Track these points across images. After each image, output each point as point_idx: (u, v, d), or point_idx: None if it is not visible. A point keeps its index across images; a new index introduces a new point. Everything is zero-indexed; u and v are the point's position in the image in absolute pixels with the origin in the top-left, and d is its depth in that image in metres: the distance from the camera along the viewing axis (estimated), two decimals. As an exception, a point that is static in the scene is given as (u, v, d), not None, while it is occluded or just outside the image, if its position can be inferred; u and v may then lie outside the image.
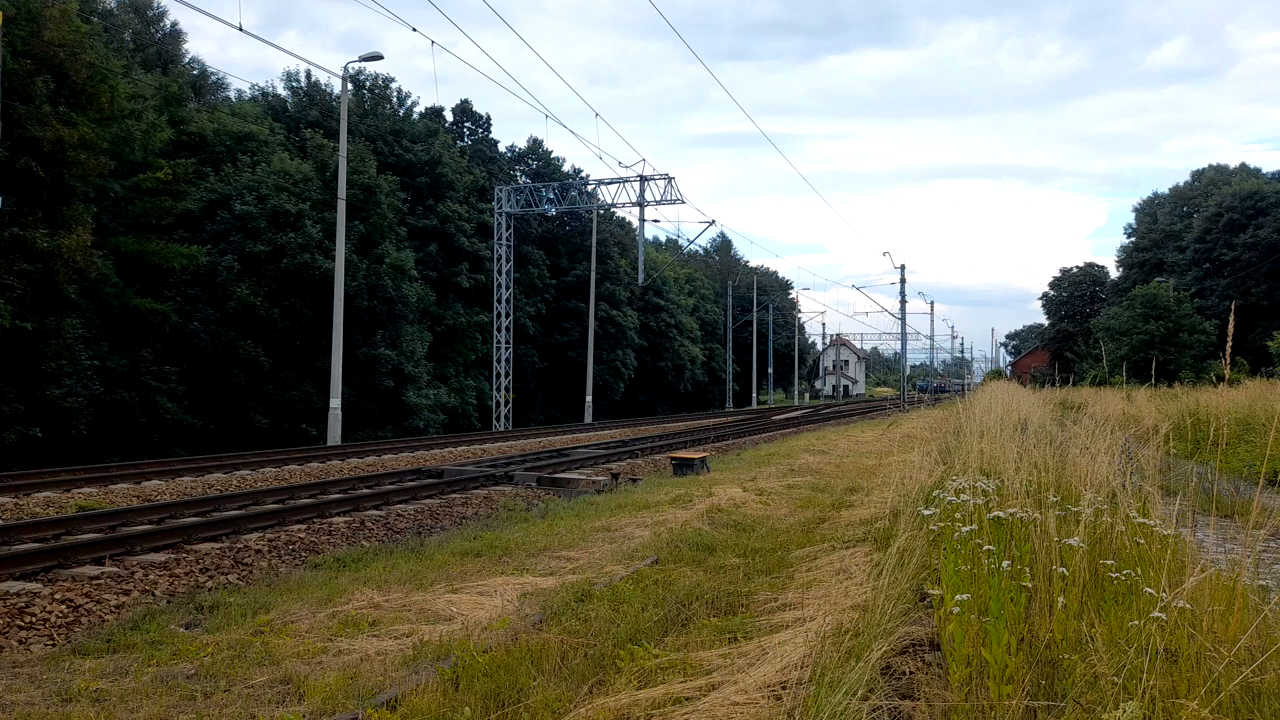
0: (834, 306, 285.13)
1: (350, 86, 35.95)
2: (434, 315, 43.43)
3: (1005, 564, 3.88)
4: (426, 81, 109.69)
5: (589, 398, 44.73)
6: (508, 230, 41.14)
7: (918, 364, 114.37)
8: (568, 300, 54.59)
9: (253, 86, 58.35)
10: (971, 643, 3.69)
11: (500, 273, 40.99)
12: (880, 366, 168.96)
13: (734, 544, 8.81)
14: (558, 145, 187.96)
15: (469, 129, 56.03)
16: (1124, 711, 2.88)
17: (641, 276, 39.46)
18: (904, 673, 4.20)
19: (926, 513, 5.39)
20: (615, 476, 16.22)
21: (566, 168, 59.00)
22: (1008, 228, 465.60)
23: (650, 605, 6.26)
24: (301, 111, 42.72)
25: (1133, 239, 79.86)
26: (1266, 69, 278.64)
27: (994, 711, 3.36)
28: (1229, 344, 4.36)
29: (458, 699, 4.46)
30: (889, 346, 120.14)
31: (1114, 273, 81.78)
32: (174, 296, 30.83)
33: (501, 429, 39.11)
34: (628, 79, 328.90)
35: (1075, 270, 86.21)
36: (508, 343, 41.04)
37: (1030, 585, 4.02)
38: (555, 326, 54.34)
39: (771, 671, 4.20)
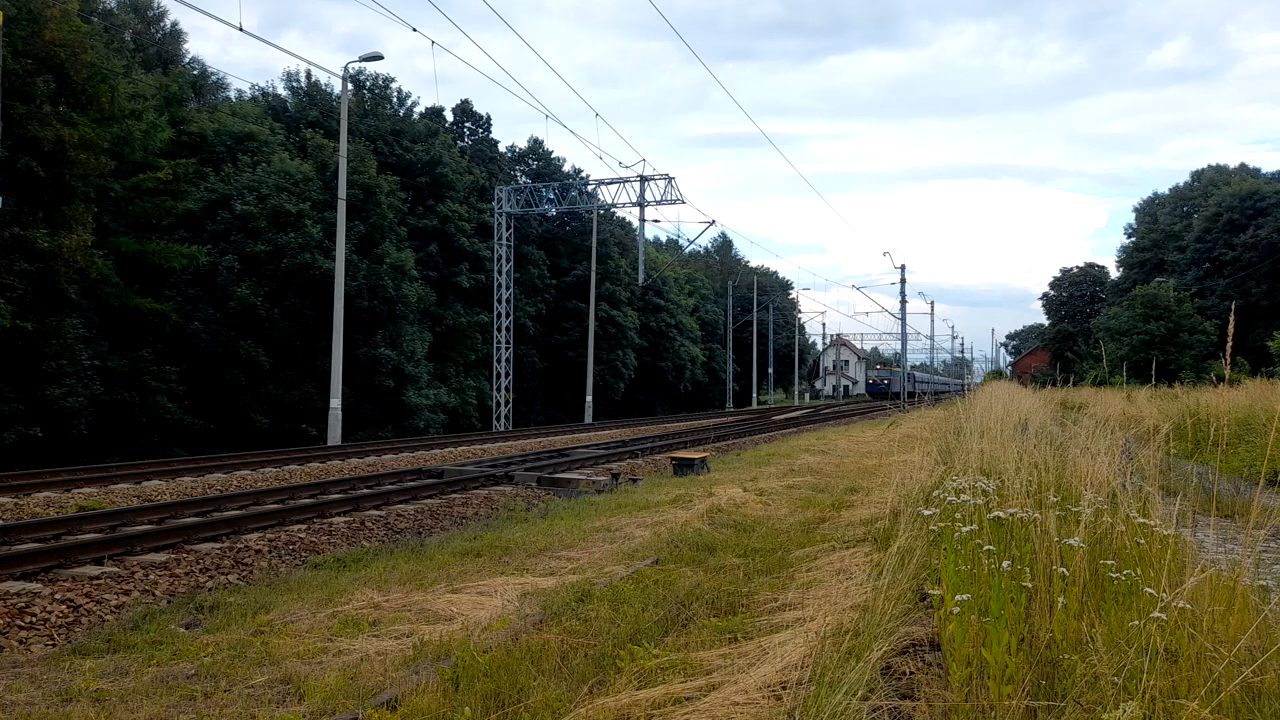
0: (834, 307, 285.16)
1: (350, 86, 35.95)
2: (434, 315, 43.43)
3: (1005, 564, 3.88)
4: (427, 82, 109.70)
5: (589, 398, 44.72)
6: (508, 230, 41.14)
7: (918, 363, 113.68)
8: (568, 300, 54.58)
9: (253, 86, 58.36)
10: (972, 643, 3.68)
11: (500, 273, 41.00)
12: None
13: (734, 544, 8.81)
14: (558, 145, 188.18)
15: (469, 129, 56.03)
16: (1124, 711, 2.88)
17: (642, 276, 39.47)
18: (904, 673, 4.20)
19: (927, 513, 5.39)
20: (615, 476, 16.22)
21: (567, 168, 59.03)
22: (1008, 228, 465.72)
23: (650, 605, 6.26)
24: (302, 111, 42.72)
25: (1133, 239, 79.91)
26: (1266, 69, 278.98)
27: (994, 711, 3.35)
28: (1229, 344, 4.37)
29: (458, 699, 4.45)
30: (889, 346, 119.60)
31: (1114, 273, 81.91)
32: (174, 296, 30.83)
33: (501, 429, 39.11)
34: (628, 79, 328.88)
35: (1075, 270, 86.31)
36: (508, 343, 41.04)
37: (1030, 585, 4.01)
38: (555, 326, 54.33)
39: (772, 671, 4.20)
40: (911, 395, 63.75)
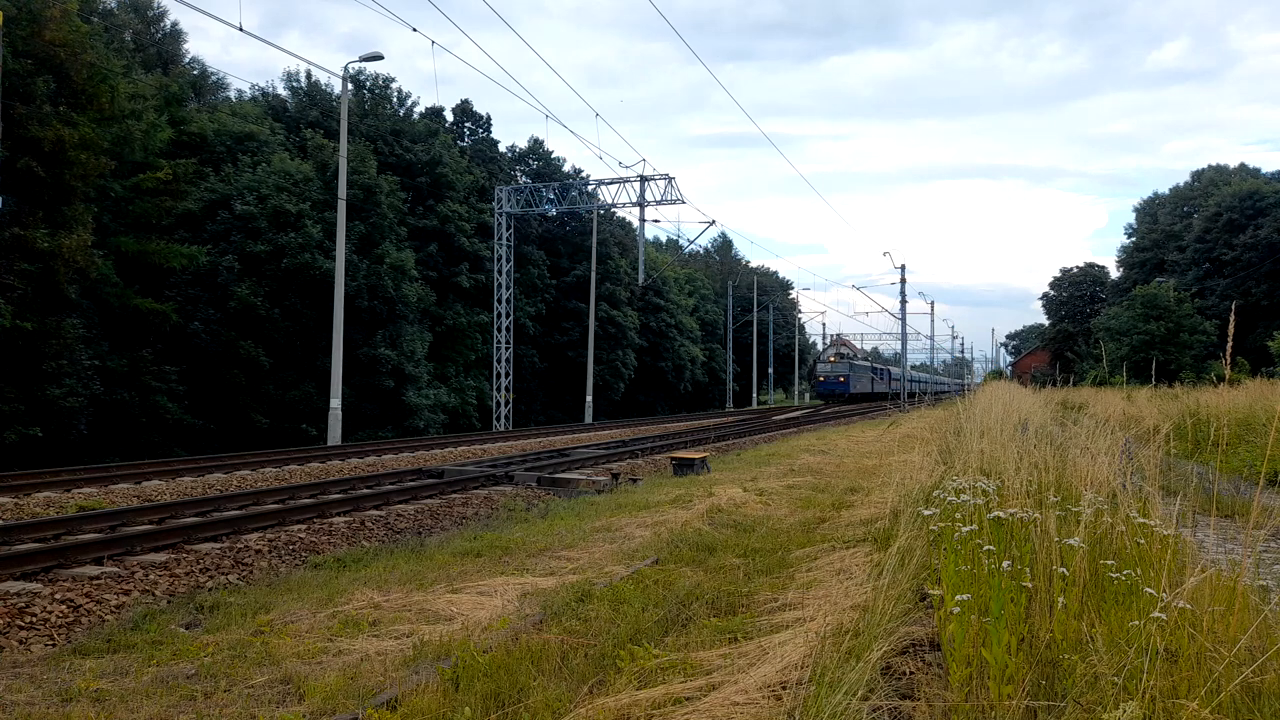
0: (834, 307, 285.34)
1: (350, 86, 35.96)
2: (434, 315, 43.43)
3: (1005, 564, 3.88)
4: (427, 82, 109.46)
5: (589, 398, 44.72)
6: (508, 230, 41.13)
7: (918, 363, 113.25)
8: (568, 300, 54.57)
9: (253, 87, 58.37)
10: (972, 643, 3.68)
11: (500, 273, 40.99)
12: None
13: (734, 544, 8.80)
14: (558, 145, 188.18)
15: (469, 129, 56.03)
16: (1124, 711, 2.88)
17: (642, 276, 39.46)
18: (904, 673, 4.20)
19: (927, 513, 5.39)
20: (615, 476, 16.22)
21: (567, 168, 59.03)
22: (1008, 228, 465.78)
23: (650, 605, 6.26)
24: (302, 112, 42.73)
25: (1133, 239, 79.94)
26: (1267, 70, 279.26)
27: (994, 711, 3.35)
28: (1229, 344, 4.37)
29: (458, 699, 4.45)
30: (889, 347, 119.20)
31: (1114, 273, 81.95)
32: (174, 296, 30.83)
33: (502, 429, 39.10)
34: (628, 80, 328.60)
35: (1076, 270, 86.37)
36: (508, 343, 41.04)
37: (1030, 585, 4.01)
38: (555, 326, 54.33)
39: (772, 671, 4.20)
40: (886, 397, 50.98)
